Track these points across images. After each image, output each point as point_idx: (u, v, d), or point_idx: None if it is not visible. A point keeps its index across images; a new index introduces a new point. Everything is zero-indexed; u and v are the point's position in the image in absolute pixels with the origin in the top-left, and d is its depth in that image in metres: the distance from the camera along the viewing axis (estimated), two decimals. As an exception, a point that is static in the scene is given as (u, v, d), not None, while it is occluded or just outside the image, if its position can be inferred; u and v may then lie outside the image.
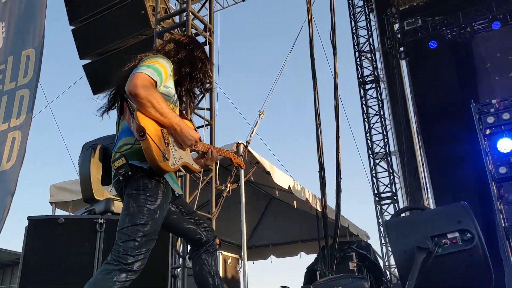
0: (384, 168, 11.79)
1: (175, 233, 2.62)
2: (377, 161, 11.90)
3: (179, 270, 4.73)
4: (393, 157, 11.86)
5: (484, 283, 2.19)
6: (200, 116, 5.29)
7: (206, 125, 5.27)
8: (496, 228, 7.18)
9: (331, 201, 7.96)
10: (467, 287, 2.30)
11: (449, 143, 10.05)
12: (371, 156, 11.98)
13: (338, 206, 7.53)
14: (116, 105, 2.37)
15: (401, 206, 11.21)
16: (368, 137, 12.13)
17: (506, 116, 6.86)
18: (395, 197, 11.45)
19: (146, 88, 2.10)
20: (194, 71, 2.49)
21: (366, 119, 12.27)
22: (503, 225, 6.49)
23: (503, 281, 7.82)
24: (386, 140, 11.92)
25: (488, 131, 7.12)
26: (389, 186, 11.57)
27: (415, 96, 11.42)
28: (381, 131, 12.03)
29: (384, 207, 11.47)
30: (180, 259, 4.55)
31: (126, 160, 2.15)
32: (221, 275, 5.84)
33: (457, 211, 2.30)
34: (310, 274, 8.39)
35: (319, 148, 7.61)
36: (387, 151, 11.82)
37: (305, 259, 11.26)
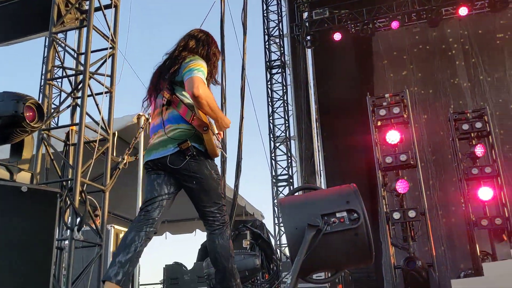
0: (283, 152, 12.18)
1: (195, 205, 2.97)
2: (277, 144, 12.24)
3: (66, 242, 4.49)
4: (293, 142, 12.28)
5: (365, 260, 2.33)
6: (99, 82, 4.99)
7: (106, 92, 4.99)
8: (379, 213, 7.78)
9: (230, 180, 8.02)
10: (350, 263, 2.45)
11: (345, 132, 10.64)
12: (272, 139, 12.29)
13: (236, 185, 7.61)
14: (154, 97, 2.92)
15: (296, 189, 11.69)
16: (271, 121, 12.42)
17: (396, 110, 7.40)
18: (291, 180, 11.90)
19: (205, 90, 2.68)
20: (210, 67, 2.99)
21: (270, 103, 12.53)
22: (385, 210, 7.05)
23: (380, 261, 8.53)
24: (287, 124, 12.30)
25: (379, 123, 7.64)
26: (286, 169, 11.97)
27: (317, 85, 11.89)
28: (283, 116, 12.38)
29: (280, 189, 11.88)
30: (68, 230, 4.31)
31: (190, 143, 2.70)
32: (112, 249, 5.67)
33: (346, 192, 2.42)
34: (204, 250, 8.45)
35: (222, 127, 7.61)
36: (287, 135, 12.21)
37: (201, 236, 11.33)
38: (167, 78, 2.85)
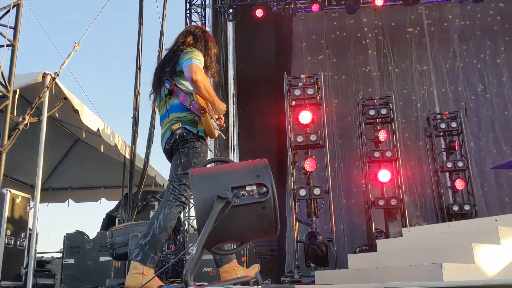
0: (198, 125, 12.05)
1: None
2: (192, 116, 12.08)
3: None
4: (208, 115, 12.18)
5: (270, 233, 2.40)
6: (1, 34, 4.56)
7: (8, 45, 4.57)
8: (286, 190, 8.05)
9: (141, 150, 7.81)
10: (256, 235, 2.50)
11: (261, 109, 10.79)
12: (187, 111, 12.10)
13: (147, 155, 7.45)
14: (159, 89, 3.22)
15: (208, 162, 11.64)
16: (187, 92, 12.19)
17: (310, 91, 7.63)
18: (203, 153, 11.86)
19: (202, 75, 2.98)
20: (207, 62, 3.27)
21: (187, 74, 12.27)
22: (292, 187, 7.30)
23: (284, 236, 8.86)
24: (203, 97, 12.15)
25: (293, 103, 7.84)
26: (199, 142, 11.90)
27: (236, 60, 11.86)
28: (200, 88, 12.20)
29: (192, 161, 11.80)
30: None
31: (181, 125, 3.03)
32: (7, 214, 5.30)
33: (257, 167, 2.45)
34: (109, 220, 8.22)
35: (136, 94, 7.38)
36: (203, 108, 12.08)
37: (106, 205, 10.96)
38: (168, 70, 3.18)
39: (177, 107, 3.12)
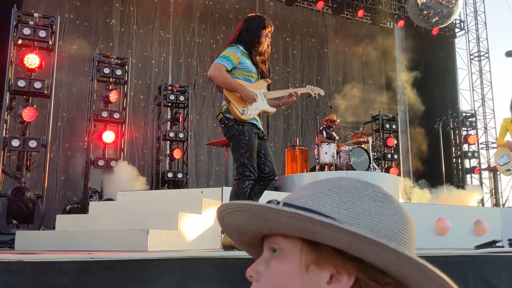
0: None
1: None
2: None
3: None
4: None
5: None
6: None
7: None
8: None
9: None
10: None
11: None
12: None
13: None
14: None
15: None
16: None
17: (43, 33, 6.92)
18: None
19: (215, 72, 3.61)
20: (254, 47, 3.78)
21: None
22: (4, 136, 6.54)
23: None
24: None
25: (20, 41, 6.98)
26: None
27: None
28: None
29: None
30: None
31: (223, 115, 3.71)
32: None
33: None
34: None
35: None
36: None
37: None
38: None
39: (223, 97, 3.72)
